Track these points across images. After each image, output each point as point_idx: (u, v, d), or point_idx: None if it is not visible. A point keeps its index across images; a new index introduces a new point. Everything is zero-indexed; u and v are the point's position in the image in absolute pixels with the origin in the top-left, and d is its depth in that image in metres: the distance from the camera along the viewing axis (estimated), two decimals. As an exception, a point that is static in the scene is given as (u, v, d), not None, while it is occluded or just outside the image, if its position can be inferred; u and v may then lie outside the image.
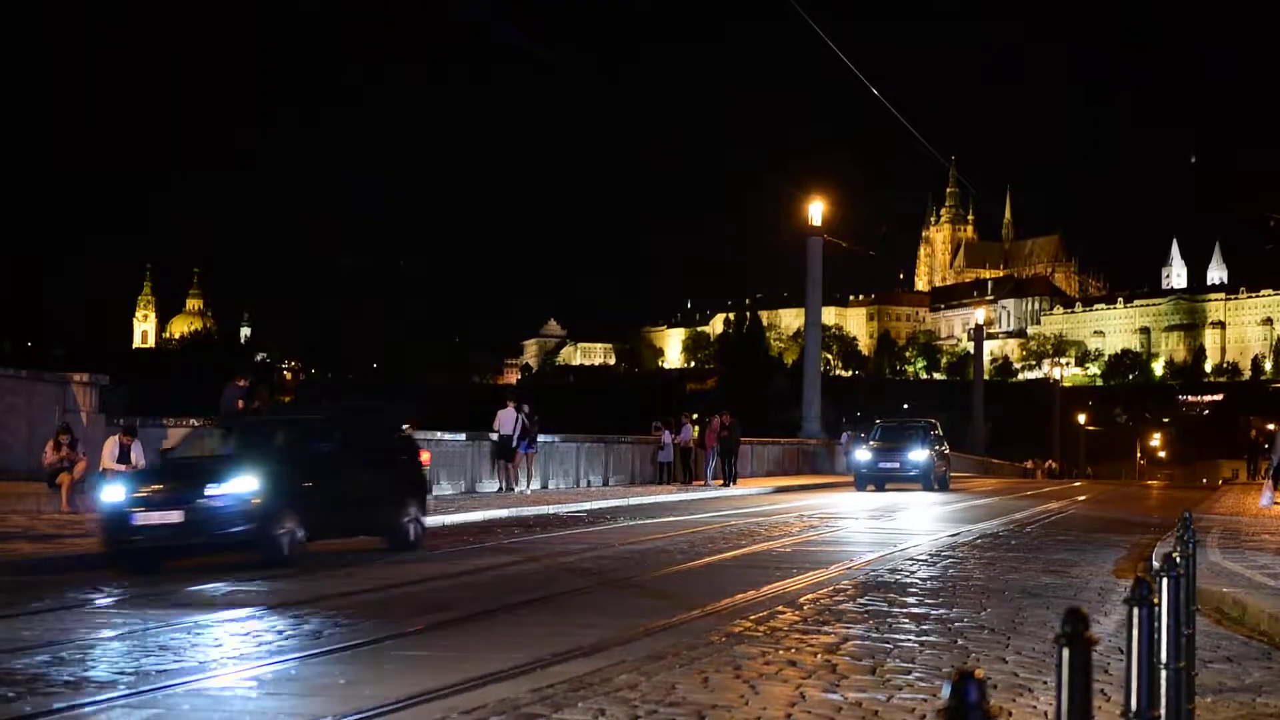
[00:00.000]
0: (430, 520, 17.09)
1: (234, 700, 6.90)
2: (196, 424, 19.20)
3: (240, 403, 19.99)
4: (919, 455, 31.24)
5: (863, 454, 32.31)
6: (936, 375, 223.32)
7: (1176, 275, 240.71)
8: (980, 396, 67.56)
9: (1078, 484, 46.42)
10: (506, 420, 26.56)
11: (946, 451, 34.11)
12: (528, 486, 27.20)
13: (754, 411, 68.66)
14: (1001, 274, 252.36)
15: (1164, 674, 4.73)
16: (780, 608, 9.96)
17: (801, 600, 10.48)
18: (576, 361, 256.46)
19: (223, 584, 11.95)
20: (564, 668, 7.39)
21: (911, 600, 10.60)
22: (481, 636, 8.75)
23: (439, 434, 25.73)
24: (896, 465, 31.26)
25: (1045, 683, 7.07)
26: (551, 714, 6.19)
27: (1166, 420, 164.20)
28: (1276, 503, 22.85)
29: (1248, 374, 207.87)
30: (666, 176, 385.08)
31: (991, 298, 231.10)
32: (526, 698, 6.53)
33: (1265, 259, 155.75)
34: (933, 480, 31.15)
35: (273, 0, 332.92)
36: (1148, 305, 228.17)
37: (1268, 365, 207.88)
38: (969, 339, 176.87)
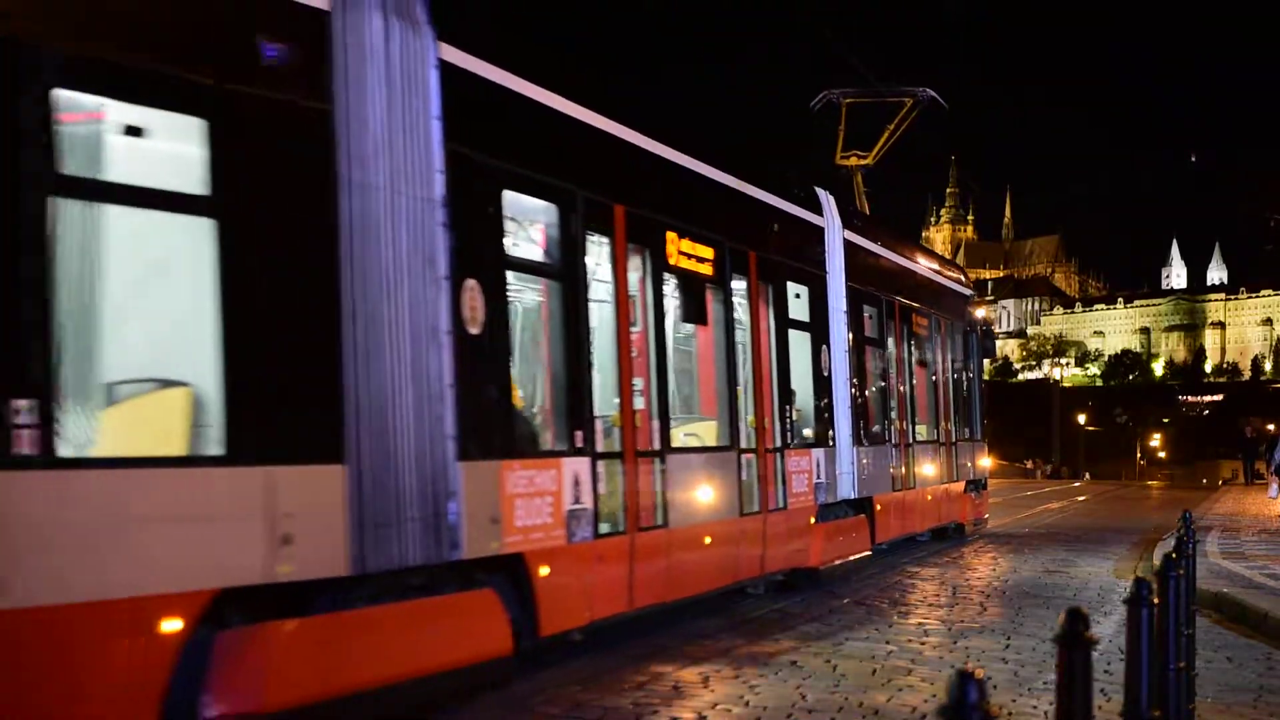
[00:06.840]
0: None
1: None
2: None
3: None
4: None
5: None
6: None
7: (1176, 275, 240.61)
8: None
9: (1076, 484, 46.37)
10: None
11: None
12: None
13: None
14: (1001, 274, 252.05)
15: (1164, 674, 4.74)
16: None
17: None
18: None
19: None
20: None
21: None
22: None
23: None
24: None
25: (1045, 683, 7.07)
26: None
27: (1166, 420, 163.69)
28: None
29: (1248, 374, 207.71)
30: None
31: (991, 298, 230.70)
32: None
33: (1265, 259, 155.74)
34: None
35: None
36: (1148, 305, 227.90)
37: (1267, 365, 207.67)
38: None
